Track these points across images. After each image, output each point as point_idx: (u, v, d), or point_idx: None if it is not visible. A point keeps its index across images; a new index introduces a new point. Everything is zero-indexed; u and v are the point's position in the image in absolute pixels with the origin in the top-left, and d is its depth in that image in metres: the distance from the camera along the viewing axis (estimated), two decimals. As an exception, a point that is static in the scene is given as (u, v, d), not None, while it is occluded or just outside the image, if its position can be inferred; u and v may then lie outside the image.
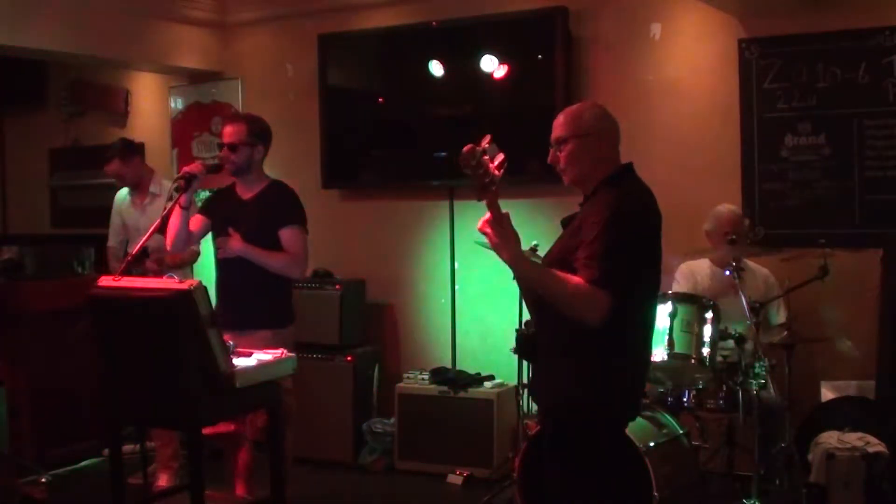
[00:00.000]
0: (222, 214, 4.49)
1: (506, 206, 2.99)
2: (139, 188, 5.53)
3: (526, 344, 3.06)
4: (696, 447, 4.48)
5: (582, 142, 3.01)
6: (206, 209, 4.61)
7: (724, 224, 4.76)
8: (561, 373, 2.95)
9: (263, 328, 4.31)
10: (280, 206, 4.42)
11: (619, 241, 2.80)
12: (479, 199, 2.74)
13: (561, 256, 2.94)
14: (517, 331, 3.15)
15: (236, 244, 4.33)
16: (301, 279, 4.49)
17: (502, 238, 2.77)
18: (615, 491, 3.00)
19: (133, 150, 5.56)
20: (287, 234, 4.37)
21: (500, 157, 2.73)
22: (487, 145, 2.70)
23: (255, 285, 4.34)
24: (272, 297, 4.40)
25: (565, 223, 3.11)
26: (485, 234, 2.79)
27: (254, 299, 4.36)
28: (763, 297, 4.69)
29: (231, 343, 3.75)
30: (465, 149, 2.68)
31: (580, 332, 2.83)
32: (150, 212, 5.35)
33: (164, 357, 3.56)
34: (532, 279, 2.87)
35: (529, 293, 3.06)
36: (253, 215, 4.41)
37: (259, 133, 4.46)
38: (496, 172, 2.71)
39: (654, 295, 3.05)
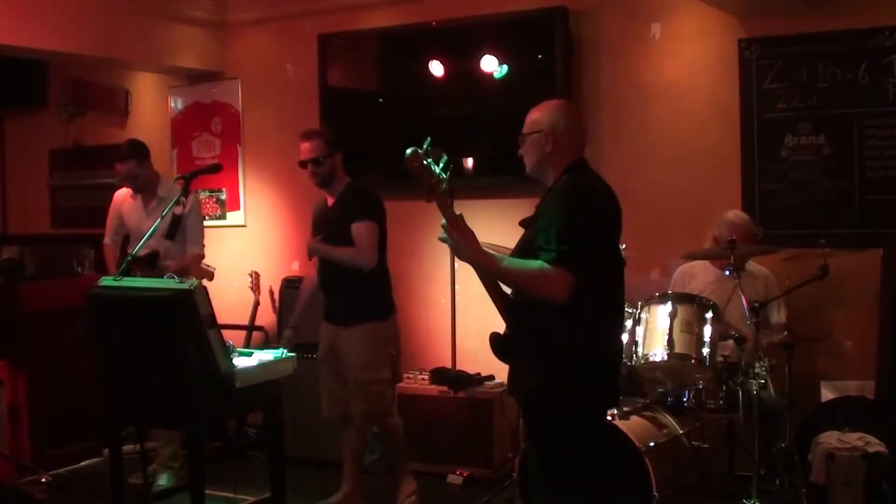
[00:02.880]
0: (319, 222, 4.88)
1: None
2: (147, 190, 5.48)
3: (501, 344, 3.20)
4: (696, 447, 4.48)
5: (540, 136, 3.20)
6: (314, 227, 4.94)
7: (735, 230, 4.73)
8: (533, 366, 3.09)
9: (364, 321, 4.66)
10: (352, 204, 4.73)
11: (572, 222, 2.96)
12: (429, 201, 2.89)
13: (523, 252, 3.09)
14: (492, 334, 3.22)
15: (309, 245, 4.77)
16: (368, 268, 4.77)
17: (459, 240, 2.93)
18: (602, 480, 3.12)
19: (147, 152, 5.55)
20: (355, 228, 4.66)
21: (444, 158, 2.87)
22: (427, 147, 2.85)
23: (349, 282, 4.66)
24: (368, 292, 4.71)
25: (524, 224, 3.25)
26: (443, 240, 2.97)
27: (350, 295, 4.70)
28: (763, 297, 4.69)
29: (230, 342, 3.76)
30: (407, 151, 2.83)
31: (548, 324, 2.99)
32: (157, 216, 5.23)
33: (164, 357, 3.56)
34: (494, 271, 3.03)
35: (497, 295, 3.20)
36: (334, 218, 4.76)
37: (334, 142, 4.77)
38: (443, 175, 2.86)
39: (615, 278, 3.17)
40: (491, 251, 3.02)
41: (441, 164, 2.90)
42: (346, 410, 4.79)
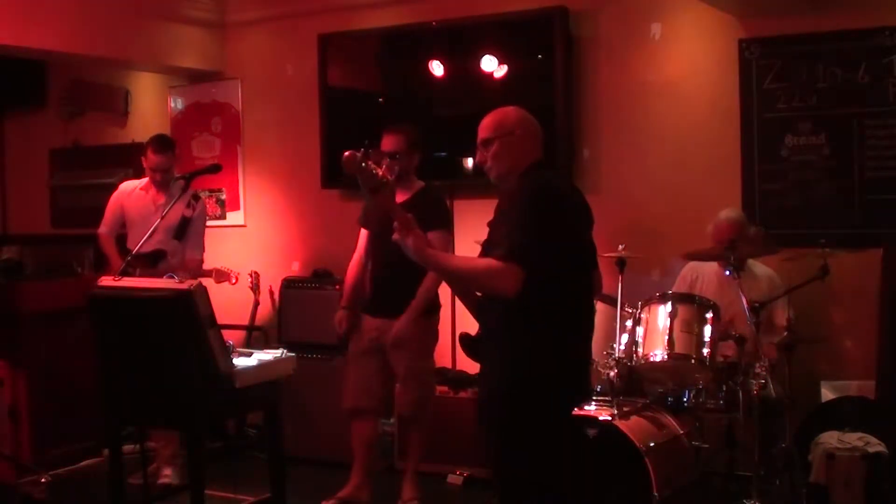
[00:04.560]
0: (376, 216, 4.84)
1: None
2: (163, 187, 5.42)
3: (470, 344, 3.27)
4: (696, 447, 4.48)
5: (506, 140, 3.22)
6: (365, 220, 5.01)
7: (720, 232, 4.77)
8: (498, 363, 3.11)
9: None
10: (428, 210, 4.74)
11: (524, 218, 2.99)
12: (372, 202, 2.95)
13: (485, 252, 3.13)
14: (461, 334, 3.29)
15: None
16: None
17: (407, 238, 3.00)
18: (566, 471, 3.13)
19: None
20: (434, 238, 4.65)
21: (386, 161, 2.94)
22: (365, 151, 2.92)
23: (405, 276, 4.71)
24: (420, 287, 4.83)
25: (490, 226, 3.26)
26: (397, 241, 3.02)
27: (404, 289, 4.81)
28: (766, 297, 4.68)
29: (230, 343, 3.76)
30: (345, 153, 2.90)
31: (512, 323, 3.02)
32: (167, 214, 4.97)
33: (164, 357, 3.57)
34: (442, 269, 3.11)
35: (466, 296, 3.29)
36: None
37: (416, 142, 4.86)
38: (387, 176, 2.93)
39: (573, 272, 3.14)
40: (439, 252, 3.09)
41: (384, 167, 2.95)
42: (372, 404, 4.94)
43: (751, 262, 4.85)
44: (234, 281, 5.94)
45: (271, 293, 6.51)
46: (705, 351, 4.37)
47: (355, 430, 5.00)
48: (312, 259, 6.54)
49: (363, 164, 2.90)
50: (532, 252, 2.93)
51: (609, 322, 4.63)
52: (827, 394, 4.89)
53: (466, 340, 3.28)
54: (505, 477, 3.16)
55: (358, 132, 6.33)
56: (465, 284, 3.14)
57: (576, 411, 4.16)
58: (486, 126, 3.28)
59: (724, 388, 4.47)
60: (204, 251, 5.48)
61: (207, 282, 4.00)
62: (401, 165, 4.81)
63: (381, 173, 2.94)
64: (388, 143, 4.83)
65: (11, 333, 5.57)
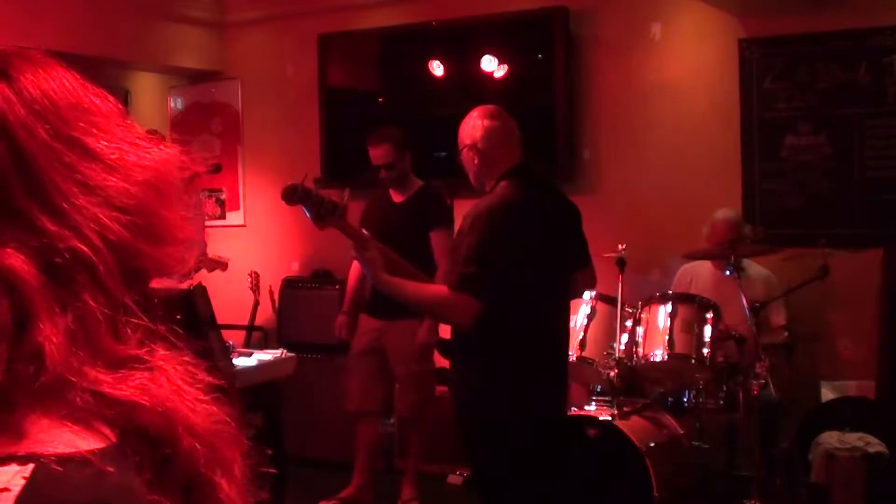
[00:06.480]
0: (376, 217, 4.86)
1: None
2: None
3: (445, 348, 3.24)
4: (696, 447, 4.48)
5: (467, 152, 3.12)
6: (365, 221, 4.93)
7: (717, 232, 4.77)
8: (461, 371, 3.06)
9: (413, 317, 4.63)
10: (428, 209, 4.83)
11: (479, 244, 2.85)
12: (322, 228, 2.89)
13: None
14: (438, 339, 3.30)
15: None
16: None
17: (363, 261, 2.92)
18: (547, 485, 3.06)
19: None
20: (435, 238, 4.76)
21: (342, 192, 2.91)
22: (315, 180, 2.88)
23: (404, 277, 4.69)
24: None
25: None
26: (357, 261, 2.98)
27: None
28: (764, 297, 4.68)
29: (230, 343, 3.76)
30: (286, 187, 2.84)
31: (466, 340, 2.93)
32: None
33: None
34: (397, 296, 2.99)
35: None
36: (404, 218, 4.84)
37: (402, 143, 4.85)
38: (334, 200, 2.89)
39: (536, 291, 3.02)
40: (394, 278, 2.96)
41: (322, 191, 2.92)
42: (374, 406, 4.97)
43: (746, 262, 4.84)
44: (224, 268, 5.89)
45: (271, 293, 6.51)
46: (705, 351, 4.37)
47: (360, 432, 5.00)
48: (312, 259, 6.54)
49: (311, 194, 2.83)
50: (486, 282, 2.81)
51: (609, 322, 4.63)
52: (827, 394, 4.89)
53: (443, 345, 3.26)
54: (476, 481, 3.15)
55: (358, 132, 6.34)
56: (422, 313, 3.10)
57: (575, 411, 4.18)
58: (459, 137, 3.16)
59: (724, 388, 4.47)
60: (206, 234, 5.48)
61: (207, 281, 3.99)
62: (397, 172, 4.80)
63: (329, 198, 2.88)
64: (377, 155, 4.80)
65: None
